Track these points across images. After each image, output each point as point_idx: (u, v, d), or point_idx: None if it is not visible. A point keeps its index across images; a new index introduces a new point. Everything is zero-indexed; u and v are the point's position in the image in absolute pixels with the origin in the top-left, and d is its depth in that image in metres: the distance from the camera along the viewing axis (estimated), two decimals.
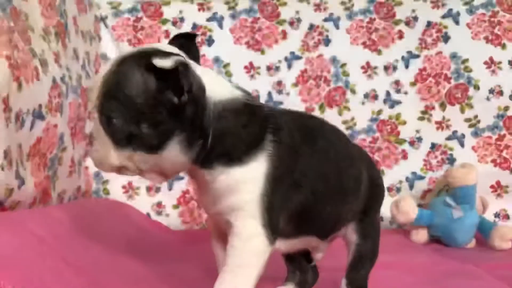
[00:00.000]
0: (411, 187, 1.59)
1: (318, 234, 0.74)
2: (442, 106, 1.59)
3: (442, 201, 1.32)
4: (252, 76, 1.60)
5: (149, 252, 1.16)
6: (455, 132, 1.58)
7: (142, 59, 0.60)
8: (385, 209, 1.43)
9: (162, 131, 0.60)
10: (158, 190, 1.57)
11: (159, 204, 1.56)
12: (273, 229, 0.63)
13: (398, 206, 1.34)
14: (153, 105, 0.60)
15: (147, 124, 0.60)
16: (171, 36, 1.52)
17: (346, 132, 1.59)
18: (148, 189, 1.57)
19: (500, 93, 1.56)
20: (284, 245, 0.70)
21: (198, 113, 0.61)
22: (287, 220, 0.67)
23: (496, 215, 1.56)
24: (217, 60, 1.59)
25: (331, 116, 1.59)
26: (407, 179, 1.59)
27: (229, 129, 0.63)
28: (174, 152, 0.62)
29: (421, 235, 1.36)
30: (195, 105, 0.61)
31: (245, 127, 0.63)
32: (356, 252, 0.79)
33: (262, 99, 1.59)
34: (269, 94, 1.59)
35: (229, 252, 0.63)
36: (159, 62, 0.57)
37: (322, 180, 0.69)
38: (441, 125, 1.59)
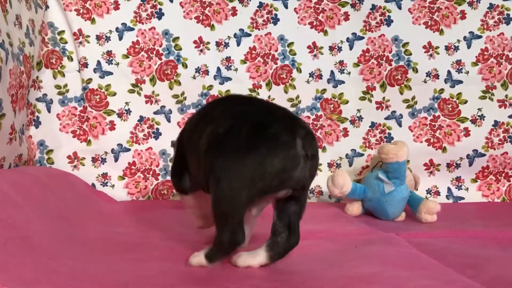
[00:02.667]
0: (351, 163, 1.66)
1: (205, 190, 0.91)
2: (383, 87, 1.66)
3: (375, 176, 1.39)
4: (201, 51, 1.62)
5: (89, 218, 1.18)
6: (393, 112, 1.66)
7: None
8: (324, 183, 1.50)
9: None
10: (103, 161, 1.58)
11: (104, 175, 1.58)
12: (178, 179, 1.02)
13: (333, 180, 1.40)
14: None
15: None
16: (121, 6, 1.55)
17: (291, 109, 1.64)
18: (94, 159, 1.58)
19: (436, 76, 1.64)
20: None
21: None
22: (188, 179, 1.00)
23: (428, 191, 1.66)
24: (166, 33, 1.60)
25: (277, 93, 1.64)
26: (347, 155, 1.66)
27: None
28: None
29: (355, 208, 1.43)
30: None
31: None
32: None
33: (211, 74, 1.62)
34: (218, 69, 1.62)
35: None
36: None
37: (191, 152, 0.94)
38: (381, 105, 1.66)
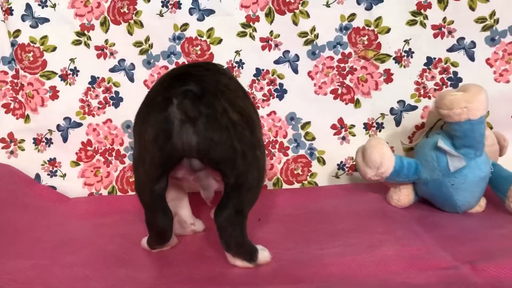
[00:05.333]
0: (398, 122, 1.13)
1: None
2: (442, 1, 1.09)
3: (432, 145, 0.87)
4: None
5: (29, 228, 0.83)
6: (461, 39, 1.09)
7: None
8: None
9: None
10: (49, 142, 1.16)
11: (52, 162, 1.16)
12: None
13: (364, 154, 0.89)
14: None
15: None
16: None
17: (305, 48, 1.13)
18: (36, 141, 1.16)
19: None
20: None
21: None
22: None
23: None
24: None
25: (283, 27, 1.14)
26: (392, 111, 1.13)
27: None
28: None
29: (403, 196, 0.92)
30: None
31: None
32: None
33: (185, 8, 1.13)
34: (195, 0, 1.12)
35: None
36: None
37: None
38: (440, 30, 1.10)
